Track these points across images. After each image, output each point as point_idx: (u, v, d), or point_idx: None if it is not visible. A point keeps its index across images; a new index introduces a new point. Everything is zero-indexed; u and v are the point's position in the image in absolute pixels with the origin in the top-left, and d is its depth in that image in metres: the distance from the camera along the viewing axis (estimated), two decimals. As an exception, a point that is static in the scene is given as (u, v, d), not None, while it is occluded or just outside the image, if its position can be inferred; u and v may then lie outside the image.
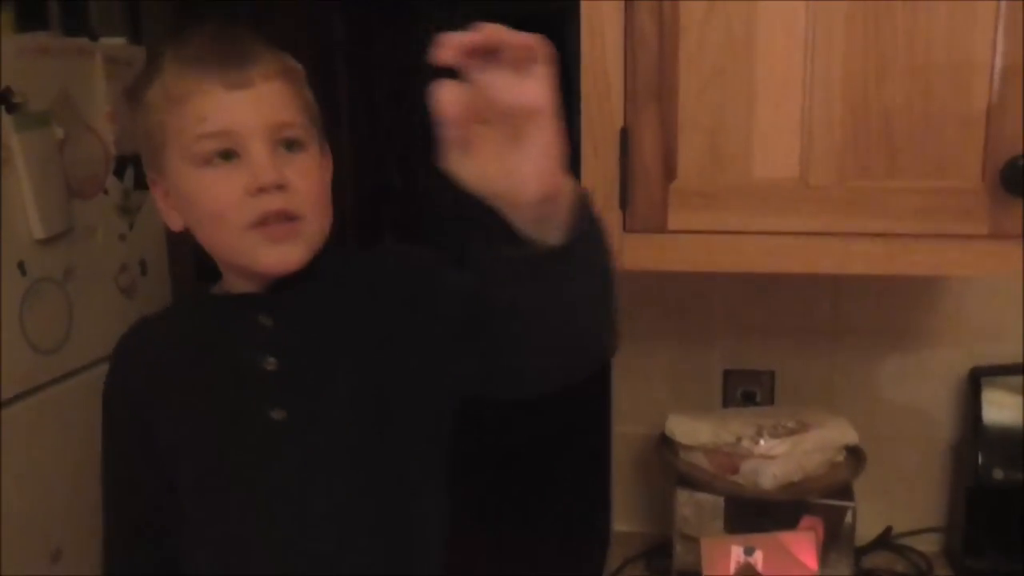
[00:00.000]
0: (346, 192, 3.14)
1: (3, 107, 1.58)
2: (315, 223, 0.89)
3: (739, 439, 1.19)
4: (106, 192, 1.86)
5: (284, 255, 0.88)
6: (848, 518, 1.18)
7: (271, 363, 0.91)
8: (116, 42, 1.99)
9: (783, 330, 1.34)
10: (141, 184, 1.92)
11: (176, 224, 0.92)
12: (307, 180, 0.88)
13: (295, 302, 0.92)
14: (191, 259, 2.00)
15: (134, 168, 1.90)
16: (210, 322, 0.95)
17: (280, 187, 0.85)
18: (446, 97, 0.66)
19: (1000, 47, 0.86)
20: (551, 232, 0.71)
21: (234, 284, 0.93)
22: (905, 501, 1.33)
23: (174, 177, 0.88)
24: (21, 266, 1.62)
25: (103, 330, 1.75)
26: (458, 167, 0.68)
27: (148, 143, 0.90)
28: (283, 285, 0.90)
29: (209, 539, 0.93)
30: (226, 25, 0.90)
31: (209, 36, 0.88)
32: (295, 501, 0.90)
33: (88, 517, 1.58)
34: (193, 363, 0.93)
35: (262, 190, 0.85)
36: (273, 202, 0.85)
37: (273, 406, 0.90)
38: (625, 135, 0.94)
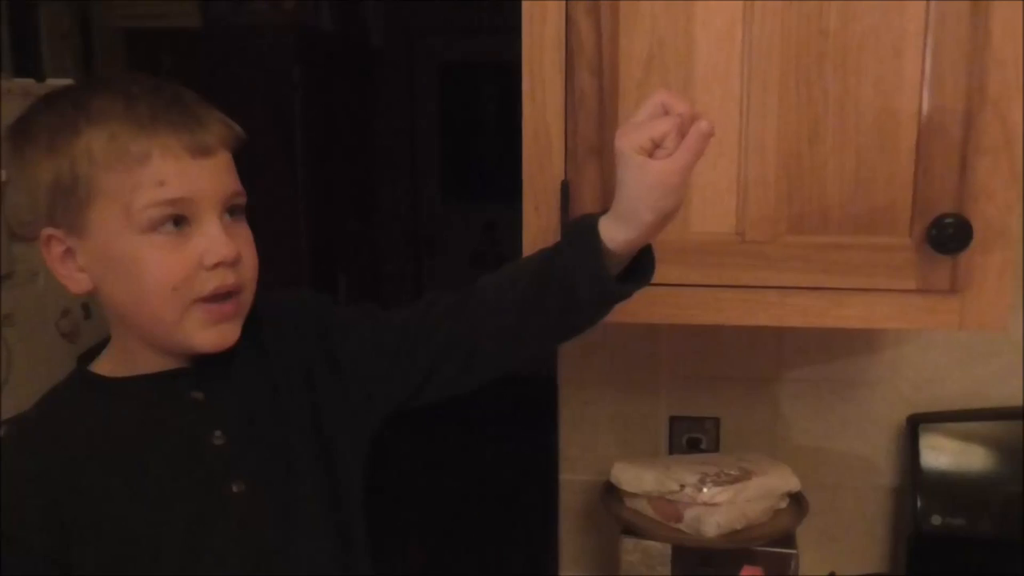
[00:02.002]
0: (301, 236, 3.12)
1: (-56, 150, 1.57)
2: (250, 292, 0.87)
3: (682, 487, 1.20)
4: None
5: (223, 335, 0.85)
6: (791, 565, 1.19)
7: (218, 437, 0.86)
8: (62, 83, 1.97)
9: (728, 378, 1.35)
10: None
11: (80, 286, 0.84)
12: (251, 248, 0.86)
13: (220, 371, 0.88)
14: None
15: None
16: (133, 406, 0.87)
17: (235, 260, 0.83)
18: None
19: (926, 111, 0.90)
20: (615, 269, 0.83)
21: (143, 360, 0.87)
22: (847, 548, 1.35)
23: (104, 237, 0.81)
24: (-41, 311, 1.59)
25: (43, 375, 1.71)
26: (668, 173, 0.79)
27: (61, 197, 0.81)
28: (204, 355, 0.86)
29: None
30: (170, 83, 0.85)
31: (159, 95, 0.83)
32: (271, 572, 0.87)
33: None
34: (128, 455, 0.85)
35: (220, 264, 0.82)
36: (228, 277, 0.83)
37: (231, 480, 0.86)
38: (566, 189, 0.96)
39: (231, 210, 0.85)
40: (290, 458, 0.89)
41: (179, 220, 0.81)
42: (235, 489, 0.86)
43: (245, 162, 0.92)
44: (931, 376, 1.30)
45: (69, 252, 0.83)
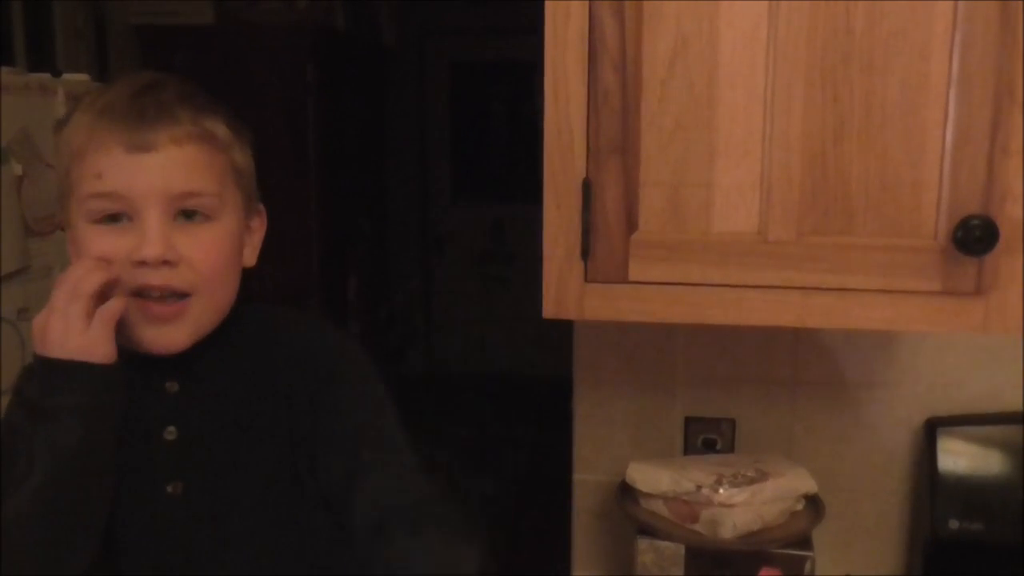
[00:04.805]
0: (313, 236, 3.12)
1: (-39, 144, 1.57)
2: (208, 299, 0.85)
3: (699, 487, 1.19)
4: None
5: (165, 336, 0.84)
6: (807, 568, 1.18)
7: (171, 432, 0.86)
8: (79, 78, 1.97)
9: (744, 379, 1.35)
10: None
11: None
12: (206, 254, 0.84)
13: (203, 364, 0.87)
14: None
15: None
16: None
17: (167, 263, 0.81)
18: None
19: (952, 111, 0.89)
20: None
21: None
22: (863, 550, 1.34)
23: (72, 226, 0.85)
24: (-26, 305, 1.59)
25: (57, 370, 1.71)
26: None
27: (59, 187, 0.87)
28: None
29: None
30: (155, 78, 0.86)
31: (129, 89, 0.84)
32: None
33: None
34: None
35: (144, 263, 0.81)
36: (155, 277, 0.82)
37: (169, 479, 0.85)
38: (587, 187, 0.95)
39: (189, 211, 0.83)
40: (237, 468, 0.87)
41: (121, 216, 0.82)
42: (170, 490, 0.85)
43: (255, 160, 0.91)
44: (949, 379, 1.29)
45: (74, 238, 0.87)
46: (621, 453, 1.35)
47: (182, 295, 0.83)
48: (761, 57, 0.92)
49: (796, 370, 1.33)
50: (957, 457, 1.25)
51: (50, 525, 0.78)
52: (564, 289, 0.97)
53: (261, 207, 0.93)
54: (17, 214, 1.69)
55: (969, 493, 1.24)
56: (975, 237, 0.88)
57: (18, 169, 1.69)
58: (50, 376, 0.81)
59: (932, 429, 1.27)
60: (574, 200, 0.96)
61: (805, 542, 1.20)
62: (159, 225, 0.81)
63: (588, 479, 1.40)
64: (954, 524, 1.23)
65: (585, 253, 0.96)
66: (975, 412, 1.28)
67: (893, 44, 0.89)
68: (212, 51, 3.02)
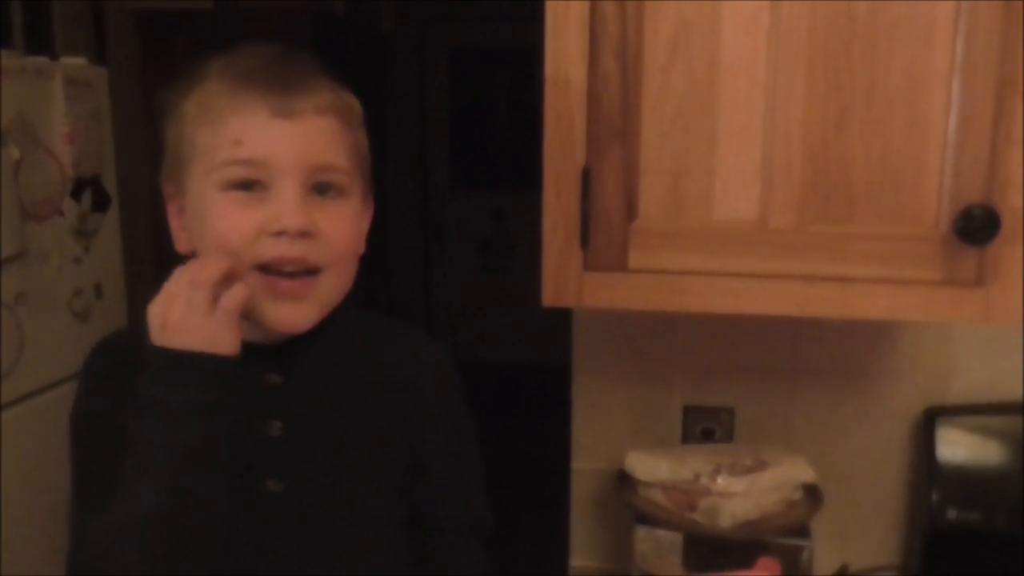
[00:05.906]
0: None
1: (-43, 128, 1.56)
2: (336, 278, 0.82)
3: (697, 476, 1.19)
4: (62, 214, 1.83)
5: (293, 315, 0.81)
6: (805, 557, 1.18)
7: (277, 428, 0.83)
8: (77, 62, 1.96)
9: (743, 368, 1.35)
10: (98, 206, 1.90)
11: (184, 246, 0.84)
12: (342, 230, 0.82)
13: (308, 355, 0.84)
14: (151, 283, 1.97)
15: (91, 190, 1.88)
16: None
17: (305, 234, 0.78)
18: None
19: (956, 98, 0.88)
20: None
21: (244, 326, 0.83)
22: (861, 540, 1.34)
23: (193, 196, 0.81)
24: (-29, 290, 1.59)
25: (56, 355, 1.72)
26: None
27: (174, 155, 0.83)
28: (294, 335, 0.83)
29: None
30: (285, 48, 0.84)
31: (264, 56, 0.82)
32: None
33: (44, 538, 1.52)
34: None
35: (283, 233, 0.78)
36: (292, 249, 0.78)
37: (271, 477, 0.82)
38: (587, 175, 0.95)
39: (322, 186, 0.81)
40: (340, 468, 0.85)
41: (257, 184, 0.78)
42: (271, 488, 0.83)
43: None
44: (949, 369, 1.29)
45: (181, 210, 0.84)
46: (620, 442, 1.35)
47: (313, 271, 0.81)
48: (763, 44, 0.91)
49: (796, 359, 1.33)
50: (956, 447, 1.25)
51: (173, 534, 0.74)
52: (564, 277, 0.97)
53: (370, 194, 0.90)
54: (15, 198, 1.68)
55: (968, 483, 1.24)
56: (977, 226, 0.87)
57: (16, 153, 1.68)
58: (172, 369, 0.74)
59: (931, 419, 1.26)
60: (574, 188, 0.95)
61: (803, 531, 1.20)
62: (299, 195, 0.78)
63: (587, 467, 1.40)
64: (952, 514, 1.23)
65: (585, 241, 0.96)
66: (974, 402, 1.27)
67: (896, 31, 0.88)
68: (211, 36, 3.00)
